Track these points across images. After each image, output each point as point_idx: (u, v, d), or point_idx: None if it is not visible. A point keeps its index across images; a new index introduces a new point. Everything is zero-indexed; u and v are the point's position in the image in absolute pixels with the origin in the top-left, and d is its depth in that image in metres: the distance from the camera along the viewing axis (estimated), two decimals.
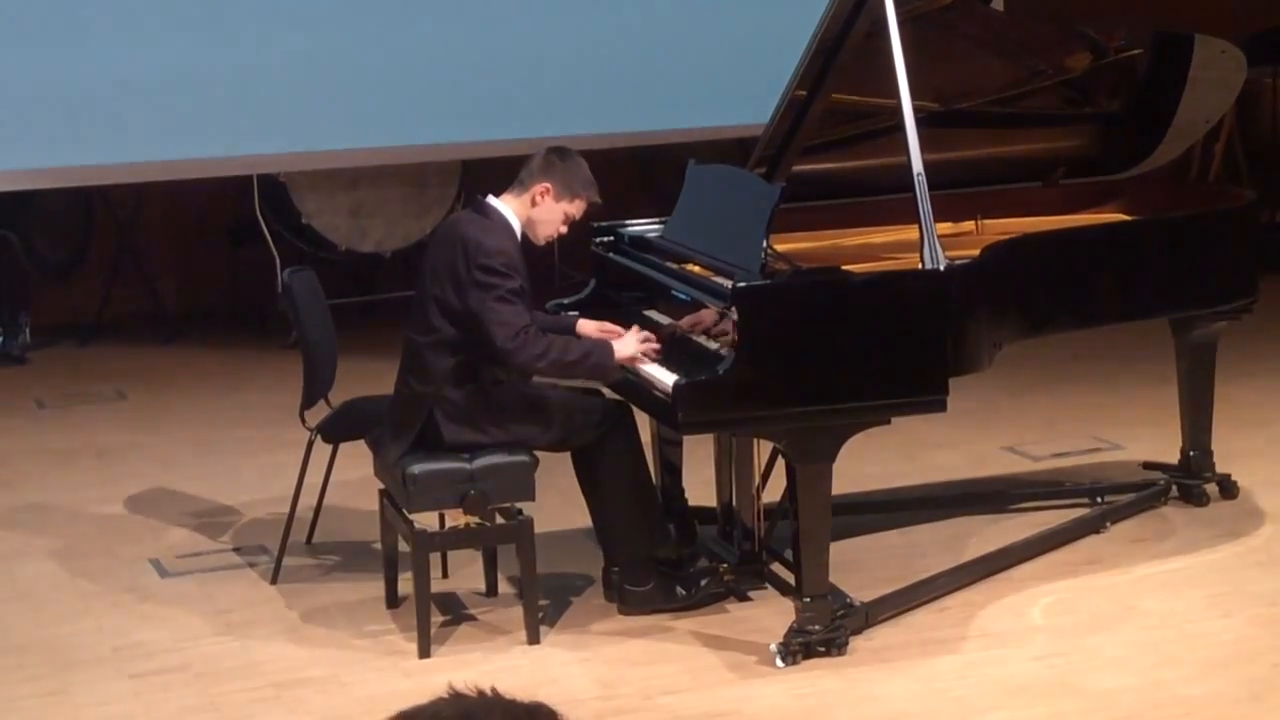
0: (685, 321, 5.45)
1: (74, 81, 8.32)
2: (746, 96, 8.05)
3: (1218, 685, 4.96)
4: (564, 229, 5.50)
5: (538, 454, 5.41)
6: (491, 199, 5.46)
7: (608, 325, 5.57)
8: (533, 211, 5.42)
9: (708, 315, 5.33)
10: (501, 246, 5.30)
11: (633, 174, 10.05)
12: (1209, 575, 5.76)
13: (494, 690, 1.97)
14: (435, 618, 5.43)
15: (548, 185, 5.41)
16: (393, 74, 8.78)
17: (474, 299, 5.25)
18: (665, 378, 5.18)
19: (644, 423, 5.65)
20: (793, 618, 5.20)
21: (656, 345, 5.41)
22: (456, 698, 1.95)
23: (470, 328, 5.30)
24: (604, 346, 5.39)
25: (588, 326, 5.59)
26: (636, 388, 5.38)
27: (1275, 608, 5.48)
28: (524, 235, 5.44)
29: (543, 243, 5.51)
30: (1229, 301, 6.17)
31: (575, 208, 5.46)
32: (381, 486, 5.62)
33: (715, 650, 5.28)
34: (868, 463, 6.56)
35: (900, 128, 5.32)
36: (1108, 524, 6.16)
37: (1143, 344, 7.65)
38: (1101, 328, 6.23)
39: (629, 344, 5.40)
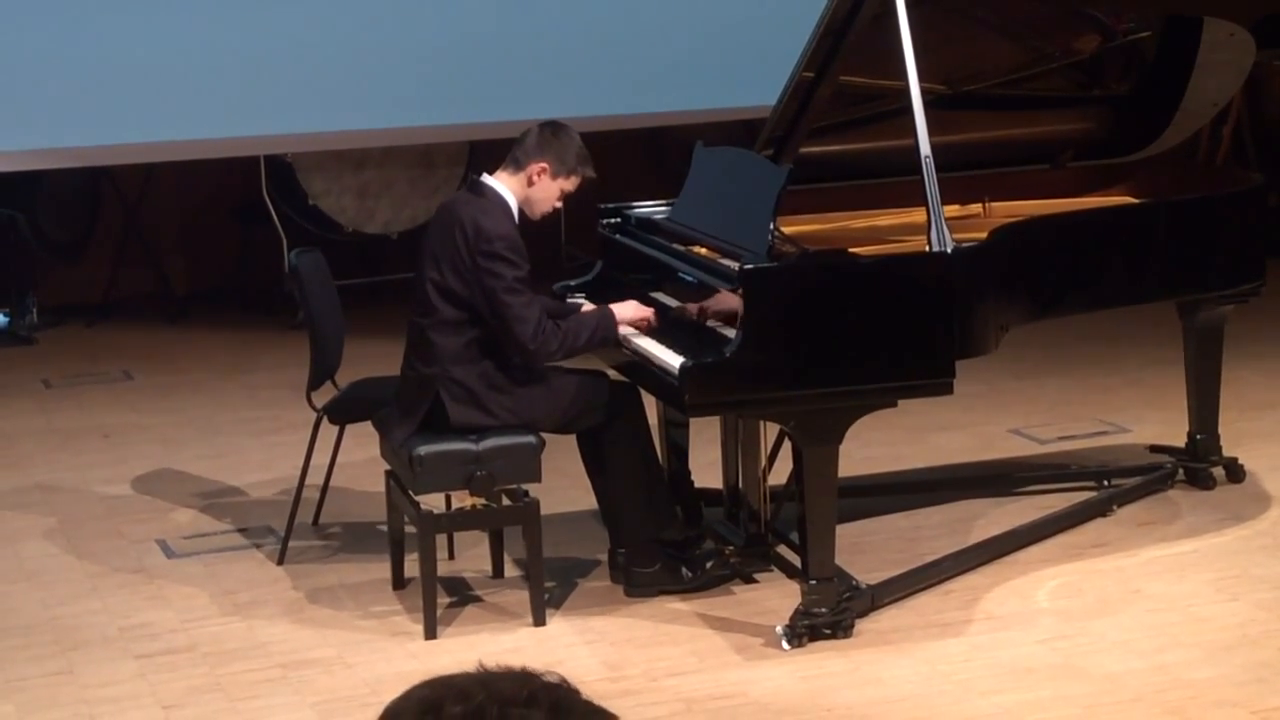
0: (699, 307, 5.44)
1: (81, 61, 8.31)
2: (754, 78, 8.03)
3: (1223, 669, 4.96)
4: (559, 204, 5.51)
5: (544, 436, 5.41)
6: (487, 178, 5.45)
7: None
8: (530, 191, 5.41)
9: (725, 301, 5.31)
10: (502, 230, 5.29)
11: (640, 155, 10.04)
12: (1215, 559, 5.75)
13: (524, 668, 2.00)
14: (441, 599, 5.43)
15: (544, 164, 5.40)
16: (400, 55, 8.76)
17: (485, 289, 5.26)
18: (672, 360, 5.17)
19: (650, 405, 5.65)
20: (798, 600, 5.20)
21: (655, 315, 5.44)
22: (481, 671, 1.98)
23: (473, 311, 5.31)
24: (605, 316, 5.41)
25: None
26: (643, 369, 5.38)
27: None
28: (520, 212, 5.44)
29: (538, 219, 5.51)
30: (1236, 285, 6.16)
31: (571, 184, 5.47)
32: (388, 468, 5.62)
33: (721, 632, 5.28)
34: (874, 445, 6.56)
35: (908, 110, 5.31)
36: (1114, 507, 6.16)
37: (1150, 327, 7.65)
38: (1108, 310, 6.23)
39: (629, 306, 5.43)
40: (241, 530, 6.27)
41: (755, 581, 5.64)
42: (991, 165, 6.36)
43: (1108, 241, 5.85)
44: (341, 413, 5.96)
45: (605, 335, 5.41)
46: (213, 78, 8.49)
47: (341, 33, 8.66)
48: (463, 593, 5.65)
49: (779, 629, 5.16)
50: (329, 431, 5.96)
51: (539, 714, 1.90)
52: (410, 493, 5.41)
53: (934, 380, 5.19)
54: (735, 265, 5.20)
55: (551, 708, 1.92)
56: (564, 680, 1.98)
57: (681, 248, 5.72)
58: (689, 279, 5.53)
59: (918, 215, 5.47)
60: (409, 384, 5.47)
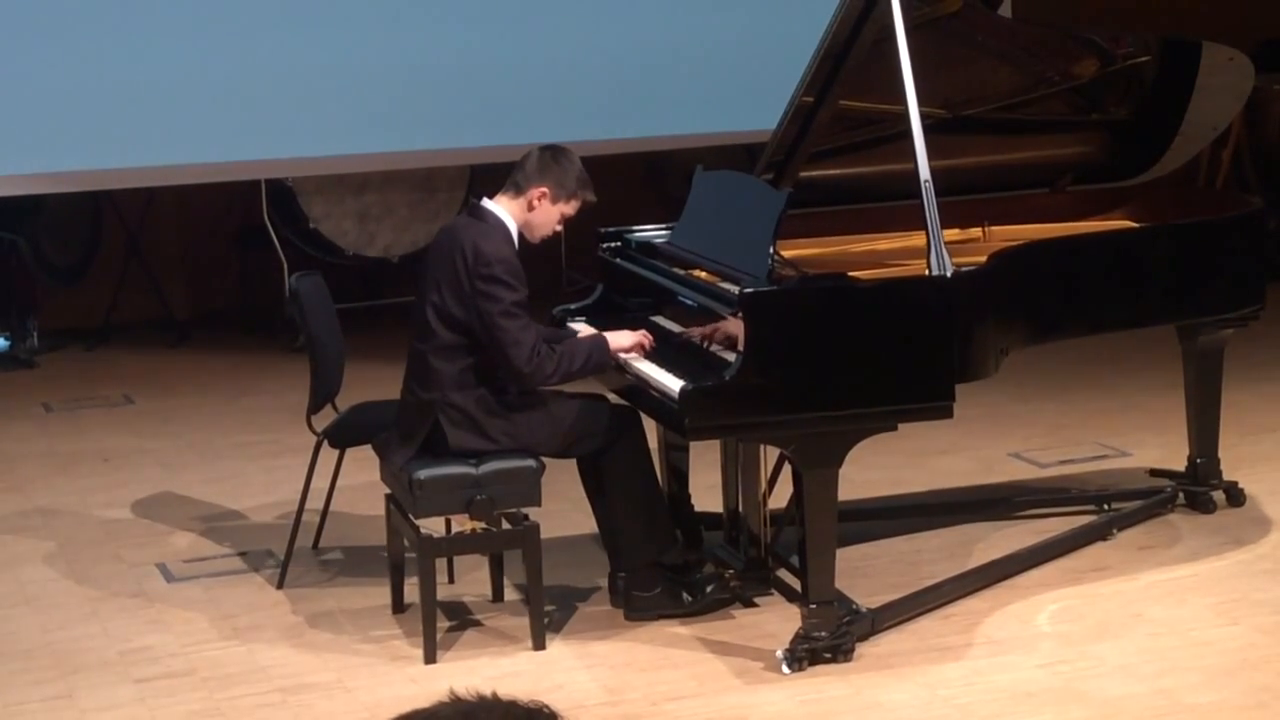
0: (699, 331, 5.45)
1: (82, 86, 8.33)
2: (754, 102, 8.04)
3: (1224, 693, 4.95)
4: (559, 228, 5.52)
5: (544, 460, 5.41)
6: (487, 202, 5.46)
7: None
8: (530, 215, 5.42)
9: (725, 325, 5.31)
10: (501, 253, 5.30)
11: (640, 179, 10.05)
12: (1216, 583, 5.75)
13: (494, 694, 1.99)
14: (441, 623, 5.43)
15: (544, 189, 5.41)
16: (400, 79, 8.78)
17: (481, 313, 5.26)
18: (672, 383, 5.18)
19: (650, 428, 5.65)
20: (799, 624, 5.20)
21: (650, 339, 5.45)
22: (456, 700, 1.97)
23: (472, 335, 5.31)
24: (600, 343, 5.41)
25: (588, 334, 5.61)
26: (643, 393, 5.38)
27: None
28: (520, 236, 5.45)
29: (538, 242, 5.52)
30: (1236, 308, 6.16)
31: (572, 208, 5.48)
32: (388, 491, 5.62)
33: (721, 656, 5.28)
34: (874, 469, 6.56)
35: (908, 134, 5.32)
36: (1114, 531, 6.16)
37: (1150, 351, 7.65)
38: (1108, 334, 6.23)
39: (624, 335, 5.43)
40: (241, 554, 6.27)
41: (755, 605, 5.64)
42: (991, 189, 6.37)
43: (1107, 265, 5.86)
44: (341, 436, 5.96)
45: (600, 362, 5.41)
46: (214, 102, 8.51)
47: (342, 57, 8.68)
48: (462, 617, 5.65)
49: (779, 653, 5.16)
50: (329, 455, 5.96)
51: None
52: (410, 516, 5.41)
53: (934, 404, 5.19)
54: (735, 289, 5.20)
55: None
56: (546, 707, 1.97)
57: (681, 271, 5.73)
58: (689, 303, 5.53)
59: (917, 239, 5.48)
60: (408, 408, 5.47)
